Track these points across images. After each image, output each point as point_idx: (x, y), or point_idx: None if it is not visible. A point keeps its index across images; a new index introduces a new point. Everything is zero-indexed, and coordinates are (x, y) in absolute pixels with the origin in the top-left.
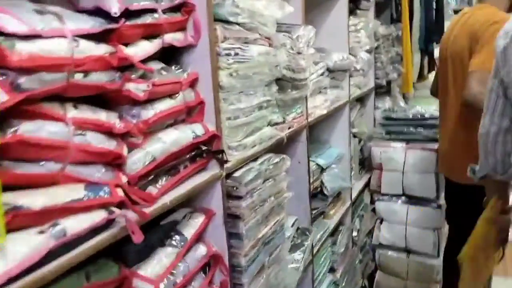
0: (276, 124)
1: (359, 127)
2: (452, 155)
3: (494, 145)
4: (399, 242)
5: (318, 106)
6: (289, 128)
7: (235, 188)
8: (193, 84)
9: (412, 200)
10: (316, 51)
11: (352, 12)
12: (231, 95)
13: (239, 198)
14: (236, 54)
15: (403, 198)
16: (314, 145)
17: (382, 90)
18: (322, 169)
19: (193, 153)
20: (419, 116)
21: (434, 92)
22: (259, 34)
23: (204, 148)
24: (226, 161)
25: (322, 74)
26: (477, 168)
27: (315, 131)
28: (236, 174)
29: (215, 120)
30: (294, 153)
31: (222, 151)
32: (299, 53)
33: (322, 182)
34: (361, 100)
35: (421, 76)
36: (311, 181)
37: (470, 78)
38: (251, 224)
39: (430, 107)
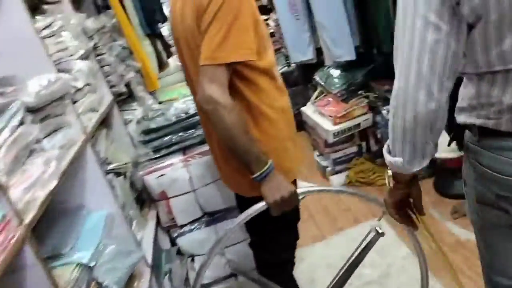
0: None
1: (115, 159)
2: (217, 159)
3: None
4: (223, 271)
5: (38, 179)
6: None
7: None
8: None
9: (216, 216)
10: None
11: (35, 9)
12: None
13: None
14: None
15: (205, 219)
16: (58, 227)
17: (123, 97)
18: (89, 267)
19: None
20: (183, 115)
21: None
22: None
23: None
24: None
25: (20, 124)
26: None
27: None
28: None
29: None
30: None
31: None
32: None
33: (98, 284)
34: (103, 122)
35: (162, 65)
36: None
37: (200, 77)
38: None
39: (188, 99)
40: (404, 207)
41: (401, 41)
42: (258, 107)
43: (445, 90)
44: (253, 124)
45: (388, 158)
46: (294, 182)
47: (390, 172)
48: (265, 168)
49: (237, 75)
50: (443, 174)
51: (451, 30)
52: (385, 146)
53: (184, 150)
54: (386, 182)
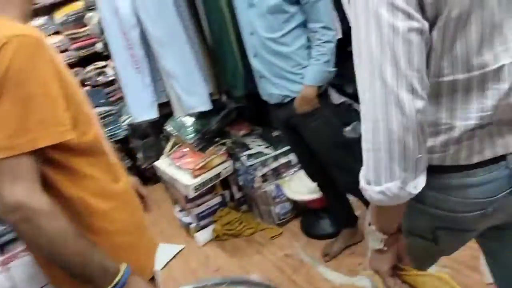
0: None
1: None
2: (41, 264)
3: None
4: None
5: None
6: None
7: None
8: None
9: None
10: None
11: None
12: None
13: None
14: None
15: None
16: None
17: None
18: None
19: None
20: None
21: None
22: None
23: None
24: None
25: None
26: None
27: None
28: None
29: None
30: None
31: None
32: None
33: None
34: None
35: None
36: None
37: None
38: None
39: None
40: (394, 271)
41: (365, 41)
42: (84, 200)
43: (426, 88)
44: (81, 224)
45: (374, 189)
46: (152, 280)
47: (374, 232)
48: (118, 278)
49: (47, 162)
50: (308, 215)
51: (420, 16)
52: (362, 180)
53: (1, 249)
54: (373, 246)
